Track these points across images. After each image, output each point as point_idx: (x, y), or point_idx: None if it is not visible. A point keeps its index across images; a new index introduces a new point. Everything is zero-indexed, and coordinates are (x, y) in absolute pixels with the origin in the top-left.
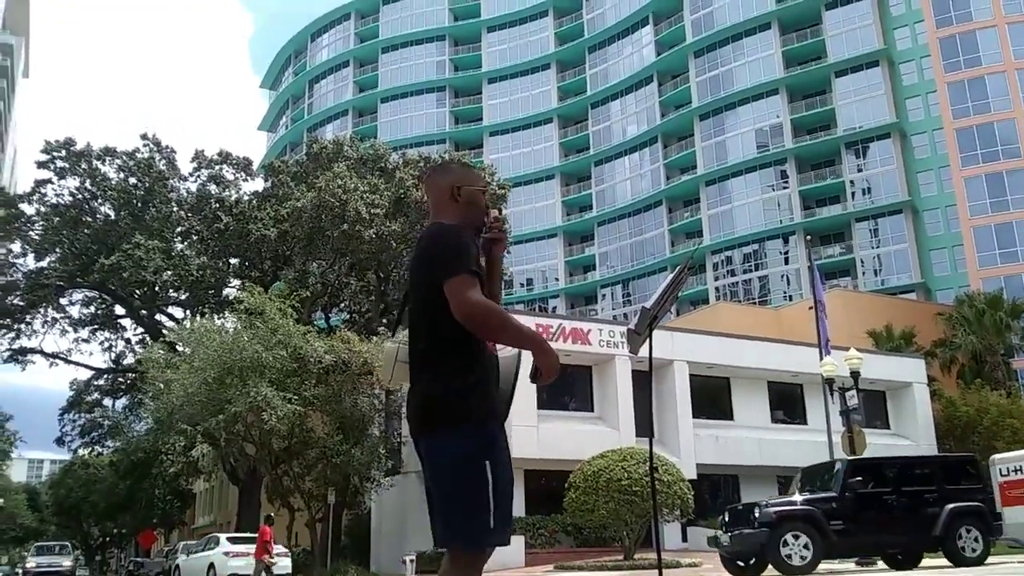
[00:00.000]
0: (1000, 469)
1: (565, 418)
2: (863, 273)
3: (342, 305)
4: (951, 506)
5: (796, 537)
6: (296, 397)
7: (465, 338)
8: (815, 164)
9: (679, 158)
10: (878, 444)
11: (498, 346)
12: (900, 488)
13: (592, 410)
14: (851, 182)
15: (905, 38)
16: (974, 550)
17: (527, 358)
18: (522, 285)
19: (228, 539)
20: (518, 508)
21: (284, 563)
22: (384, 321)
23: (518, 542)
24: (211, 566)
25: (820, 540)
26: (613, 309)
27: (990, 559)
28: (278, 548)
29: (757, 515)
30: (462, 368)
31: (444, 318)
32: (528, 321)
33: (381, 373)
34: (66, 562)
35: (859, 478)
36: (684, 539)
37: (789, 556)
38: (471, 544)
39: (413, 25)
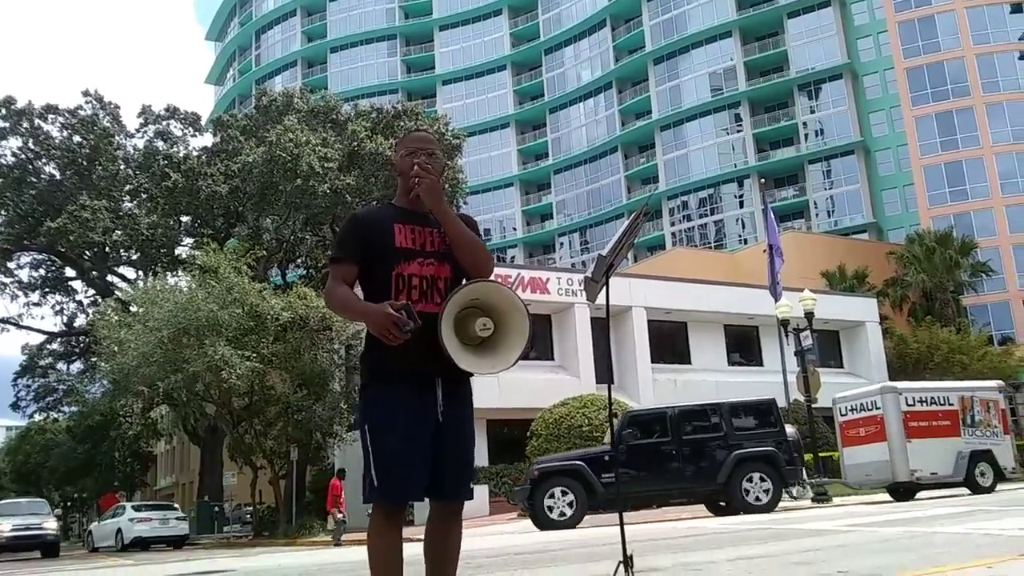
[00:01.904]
0: (840, 408)
1: (525, 367)
2: (816, 215)
3: (298, 261)
4: (737, 452)
5: (564, 492)
6: (254, 355)
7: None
8: (768, 107)
9: (634, 103)
10: (832, 383)
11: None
12: (681, 436)
13: (552, 358)
14: (804, 124)
15: None
16: (759, 498)
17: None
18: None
19: (133, 507)
20: (481, 457)
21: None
22: None
23: (482, 491)
24: (119, 531)
25: (585, 494)
26: (571, 257)
27: (797, 505)
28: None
29: (527, 472)
30: (366, 339)
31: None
32: (492, 260)
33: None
34: (48, 524)
35: (631, 429)
36: None
37: (550, 509)
38: (366, 499)
39: None
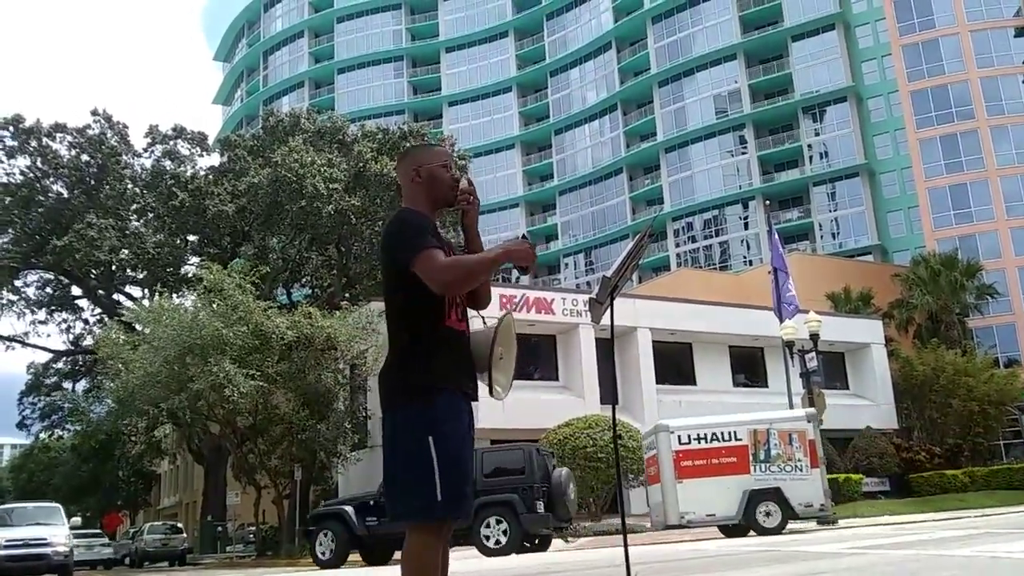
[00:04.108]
0: (645, 445)
1: (530, 387)
2: (821, 236)
3: (304, 280)
4: (481, 499)
5: (325, 534)
6: (259, 374)
7: (413, 317)
8: (773, 129)
9: (639, 125)
10: (838, 405)
11: (473, 324)
12: None
13: (557, 379)
14: (808, 146)
15: (860, 1)
16: (499, 541)
17: (505, 331)
18: None
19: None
20: None
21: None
22: (347, 295)
23: None
24: None
25: (346, 536)
26: (576, 278)
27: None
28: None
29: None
30: (411, 344)
31: (394, 300)
32: (492, 292)
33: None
34: (57, 539)
35: None
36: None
37: (323, 552)
38: (419, 517)
39: None
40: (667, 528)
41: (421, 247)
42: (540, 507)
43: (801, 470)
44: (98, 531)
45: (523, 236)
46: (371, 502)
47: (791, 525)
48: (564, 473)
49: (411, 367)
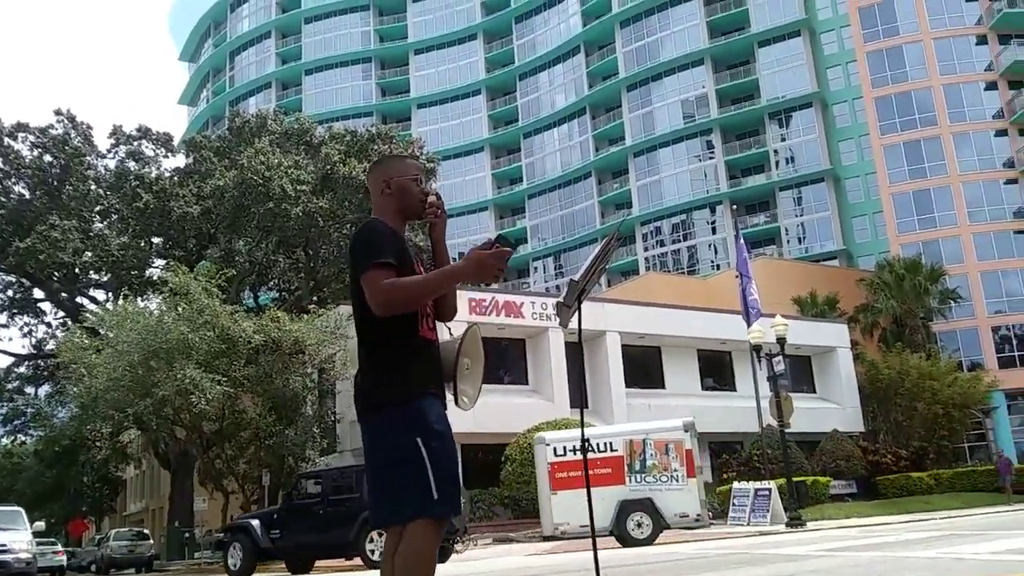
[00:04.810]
0: (553, 449)
1: (500, 391)
2: (787, 241)
3: (271, 283)
4: (364, 513)
5: (235, 546)
6: (225, 378)
7: (388, 327)
8: (740, 134)
9: (607, 129)
10: (805, 408)
11: (444, 333)
12: (328, 497)
13: (527, 383)
14: (775, 151)
15: (825, 7)
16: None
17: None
18: (454, 260)
19: None
20: None
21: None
22: (314, 299)
23: None
24: None
25: (252, 548)
26: (546, 282)
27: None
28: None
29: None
30: (385, 353)
31: (367, 310)
32: (461, 296)
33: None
34: (18, 544)
35: (297, 490)
36: None
37: (233, 563)
38: (419, 514)
39: None
40: (545, 540)
41: (371, 263)
42: None
43: (677, 480)
44: (51, 538)
45: (497, 238)
46: (275, 516)
47: (776, 526)
48: None
49: (389, 376)
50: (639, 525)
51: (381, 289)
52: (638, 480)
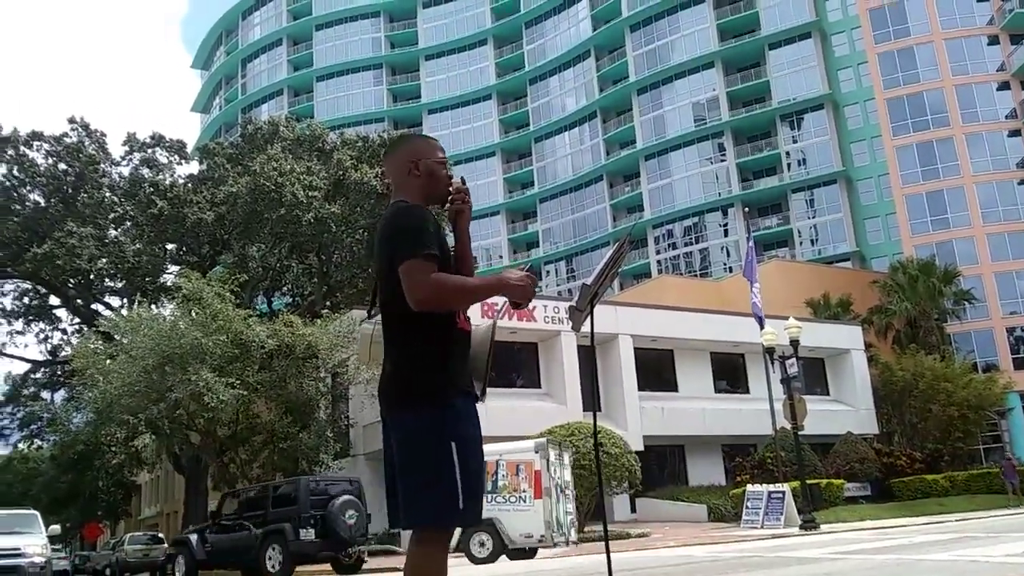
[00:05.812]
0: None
1: (513, 395)
2: (800, 243)
3: (284, 288)
4: (262, 529)
5: (177, 559)
6: (239, 383)
7: (429, 317)
8: (751, 136)
9: (618, 133)
10: (818, 410)
11: (473, 320)
12: (244, 513)
13: (539, 386)
14: (787, 153)
15: (836, 9)
16: (274, 567)
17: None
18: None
19: None
20: None
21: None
22: (328, 304)
23: None
24: None
25: (192, 560)
26: (558, 285)
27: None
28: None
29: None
30: (425, 345)
31: (399, 298)
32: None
33: (360, 353)
34: (32, 548)
35: (224, 506)
36: (633, 510)
37: (174, 573)
38: (441, 523)
39: (347, 1)
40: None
41: (418, 252)
42: (310, 534)
43: (524, 501)
44: (55, 545)
45: (528, 269)
46: (207, 530)
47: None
48: (339, 502)
49: (427, 369)
50: (482, 544)
51: (427, 284)
52: (489, 500)
